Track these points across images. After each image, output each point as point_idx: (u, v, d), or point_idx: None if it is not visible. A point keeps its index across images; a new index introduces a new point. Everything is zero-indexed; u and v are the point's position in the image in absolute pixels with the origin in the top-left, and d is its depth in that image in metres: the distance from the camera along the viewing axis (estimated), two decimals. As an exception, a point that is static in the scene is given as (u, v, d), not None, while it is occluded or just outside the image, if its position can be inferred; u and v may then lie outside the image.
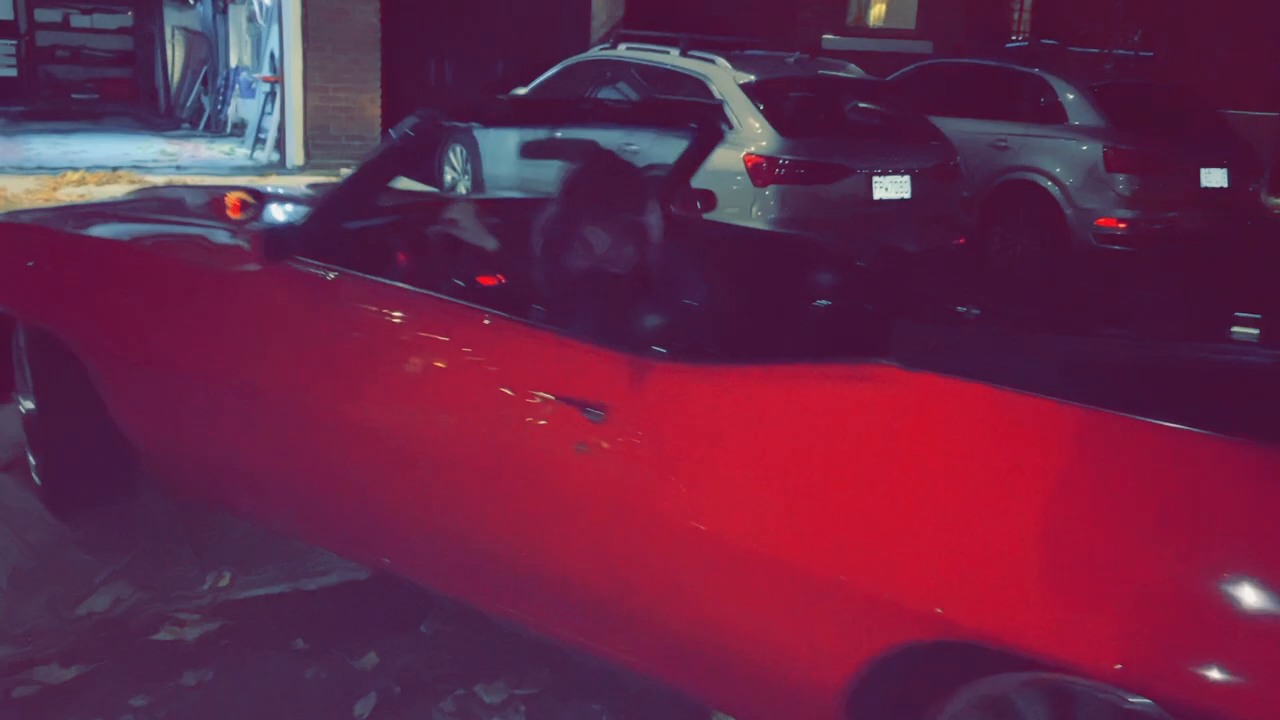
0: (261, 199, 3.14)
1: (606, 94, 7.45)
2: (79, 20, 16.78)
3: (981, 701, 1.68)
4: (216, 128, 12.42)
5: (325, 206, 2.60)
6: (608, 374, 2.04)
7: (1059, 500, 1.63)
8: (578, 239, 2.34)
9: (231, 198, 2.96)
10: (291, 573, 2.94)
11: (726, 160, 6.22)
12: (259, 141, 10.12)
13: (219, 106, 12.56)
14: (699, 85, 6.65)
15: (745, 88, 6.43)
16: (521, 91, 8.12)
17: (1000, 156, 7.69)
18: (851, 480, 1.80)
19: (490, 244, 2.73)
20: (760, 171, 6.05)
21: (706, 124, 3.39)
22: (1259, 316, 2.07)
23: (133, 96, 15.99)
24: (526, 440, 2.12)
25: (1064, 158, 7.45)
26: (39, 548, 2.97)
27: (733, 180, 6.19)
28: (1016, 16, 13.50)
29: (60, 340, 2.85)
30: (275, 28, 9.69)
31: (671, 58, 7.01)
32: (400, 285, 2.42)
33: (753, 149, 6.13)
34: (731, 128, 6.33)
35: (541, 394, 2.11)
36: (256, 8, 11.22)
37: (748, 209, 6.08)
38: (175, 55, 14.49)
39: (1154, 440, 1.63)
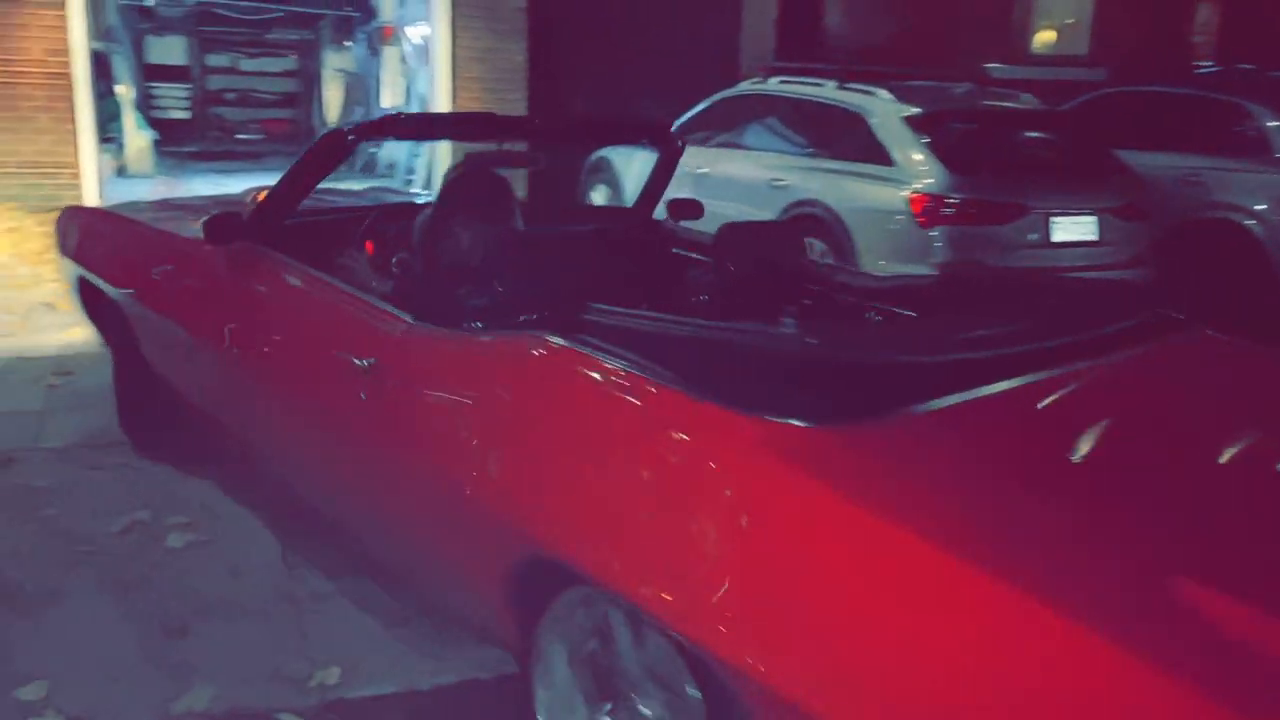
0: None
1: (757, 129, 7.11)
2: (247, 64, 17.42)
3: (569, 603, 2.11)
4: (369, 168, 12.61)
5: (260, 206, 3.21)
6: (382, 336, 2.58)
7: (625, 459, 2.01)
8: (438, 235, 2.96)
9: (261, 194, 3.46)
10: (404, 669, 2.63)
11: (886, 199, 5.78)
12: (407, 181, 10.15)
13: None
14: (856, 119, 6.22)
15: (909, 121, 5.97)
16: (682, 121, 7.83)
17: (1193, 193, 6.95)
18: (499, 429, 2.26)
19: (372, 237, 3.25)
20: (927, 211, 5.56)
21: (666, 140, 3.94)
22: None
23: (294, 136, 16.51)
24: (331, 377, 2.67)
25: (1270, 194, 6.68)
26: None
27: (892, 221, 5.73)
28: (1200, 40, 12.52)
29: (112, 298, 3.77)
30: (424, 68, 9.70)
31: (827, 90, 6.59)
32: (291, 262, 3.04)
33: (918, 187, 5.66)
34: (892, 164, 5.90)
35: (343, 350, 2.64)
36: (408, 49, 11.34)
37: (911, 252, 5.60)
38: (333, 97, 14.86)
39: (693, 412, 1.94)
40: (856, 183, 6.03)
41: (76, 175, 8.13)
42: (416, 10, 10.76)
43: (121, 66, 12.73)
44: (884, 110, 6.11)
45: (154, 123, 12.43)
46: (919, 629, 1.56)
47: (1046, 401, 2.18)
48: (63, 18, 7.91)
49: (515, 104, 9.38)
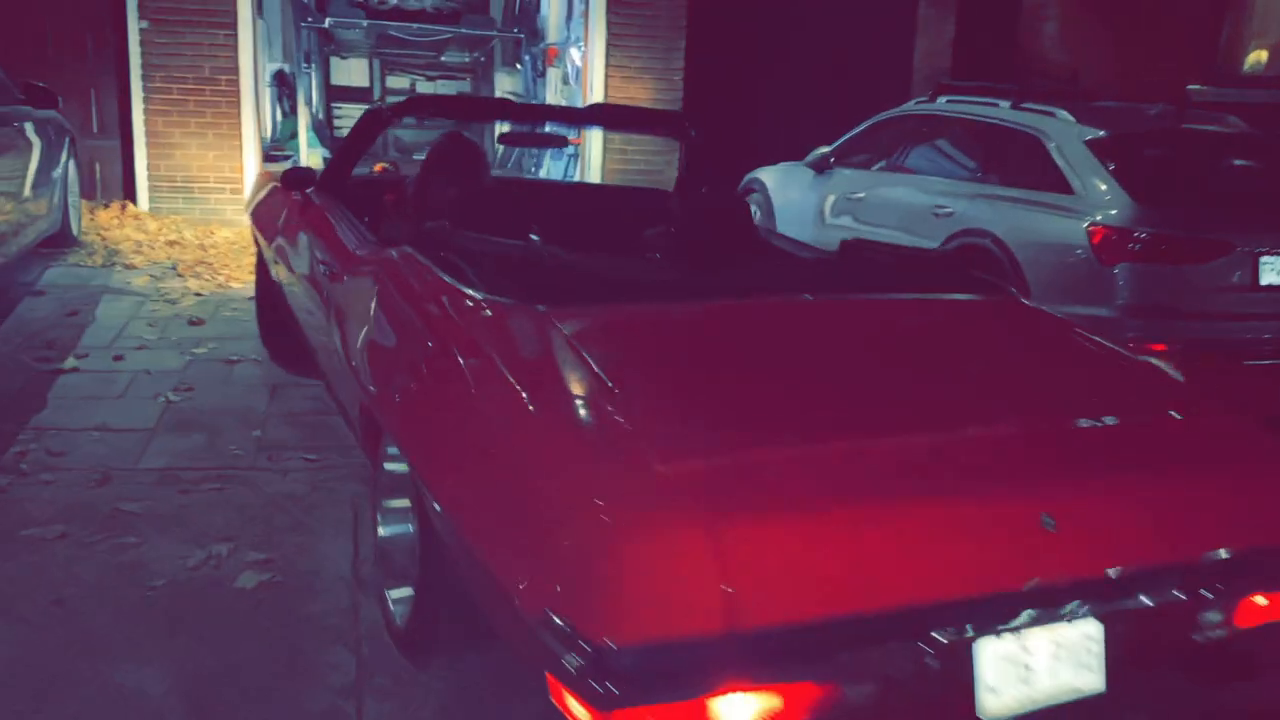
0: (398, 168, 4.97)
1: (921, 152, 6.58)
2: (424, 86, 17.92)
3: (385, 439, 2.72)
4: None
5: (327, 165, 4.14)
6: (349, 253, 3.35)
7: (403, 328, 2.73)
8: (421, 187, 3.75)
9: (379, 166, 4.59)
10: None
11: (1063, 231, 5.17)
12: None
13: (534, 169, 12.74)
14: (1033, 142, 5.63)
15: (1092, 144, 5.33)
16: (824, 151, 7.39)
17: None
18: (363, 311, 2.98)
19: (396, 191, 4.07)
20: (1108, 245, 4.93)
21: (680, 129, 4.82)
22: None
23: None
24: (323, 280, 3.48)
25: None
26: None
27: (1070, 255, 5.11)
28: None
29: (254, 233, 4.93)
30: (580, 89, 9.55)
31: (1002, 110, 6.01)
32: (327, 202, 3.92)
33: (1099, 218, 5.03)
34: (1072, 192, 5.28)
35: (328, 260, 3.49)
36: (569, 70, 11.25)
37: (1090, 291, 4.98)
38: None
39: (454, 295, 2.60)
40: (1030, 212, 5.43)
41: (239, 189, 8.31)
42: (580, 31, 10.64)
43: (307, 86, 13.19)
44: (1064, 132, 5.50)
45: (336, 142, 12.78)
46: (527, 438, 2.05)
47: (781, 319, 2.68)
48: (233, 36, 8.11)
49: (671, 125, 9.09)
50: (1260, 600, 2.12)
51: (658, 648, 1.65)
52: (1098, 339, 2.84)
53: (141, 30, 7.89)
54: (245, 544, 3.23)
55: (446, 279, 2.65)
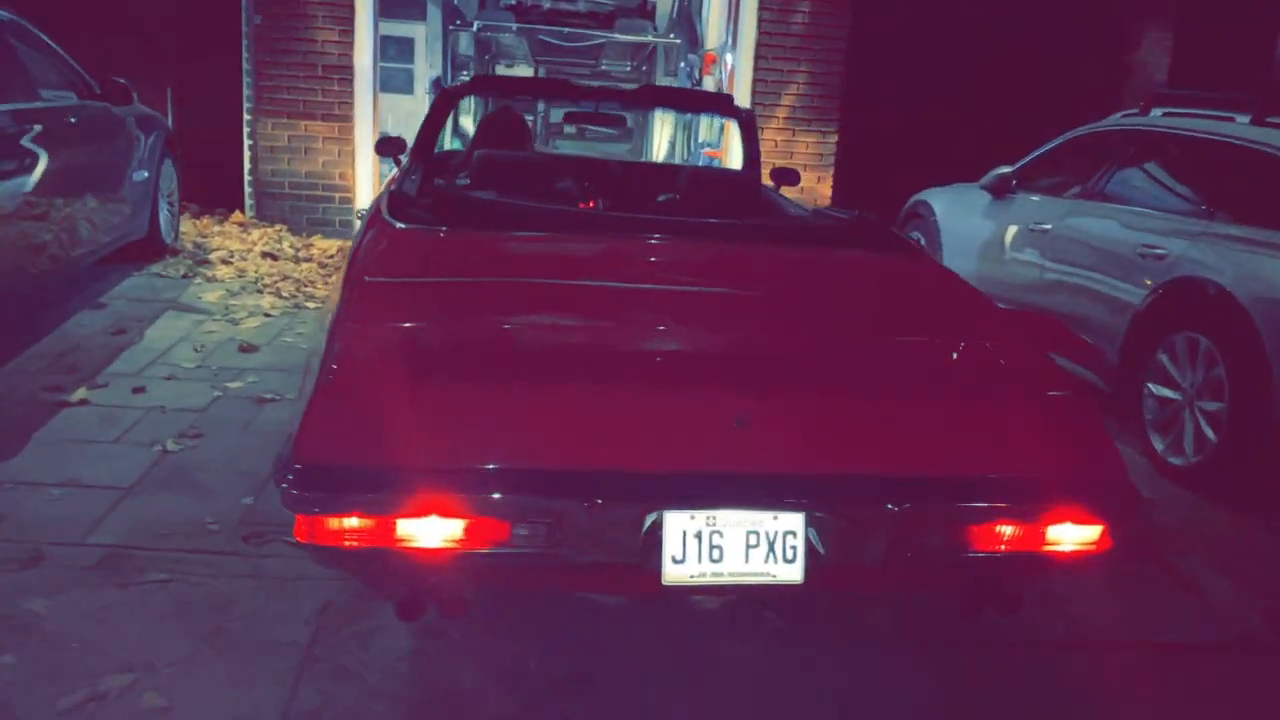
0: None
1: (1126, 177, 5.31)
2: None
3: None
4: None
5: (414, 143, 4.24)
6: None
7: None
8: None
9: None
10: None
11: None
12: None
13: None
14: (1278, 168, 4.32)
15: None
16: (1005, 171, 6.18)
17: None
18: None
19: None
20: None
21: (734, 110, 4.94)
22: None
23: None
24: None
25: None
26: None
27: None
28: None
29: None
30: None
31: (1238, 127, 4.70)
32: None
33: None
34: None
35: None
36: (724, 78, 10.34)
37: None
38: (662, 129, 14.26)
39: (381, 223, 3.02)
40: (1272, 259, 4.13)
41: (349, 197, 7.72)
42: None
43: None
44: (1328, 155, 4.17)
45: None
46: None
47: (652, 258, 2.97)
48: (349, 33, 7.52)
49: (818, 143, 8.02)
50: (1004, 530, 2.18)
51: (345, 468, 1.98)
52: (975, 296, 2.90)
53: (254, 25, 7.38)
54: (149, 680, 2.39)
55: (385, 216, 3.01)
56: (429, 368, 2.11)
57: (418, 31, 14.94)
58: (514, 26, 12.17)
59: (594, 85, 5.20)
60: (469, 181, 4.08)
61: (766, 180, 5.07)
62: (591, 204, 4.58)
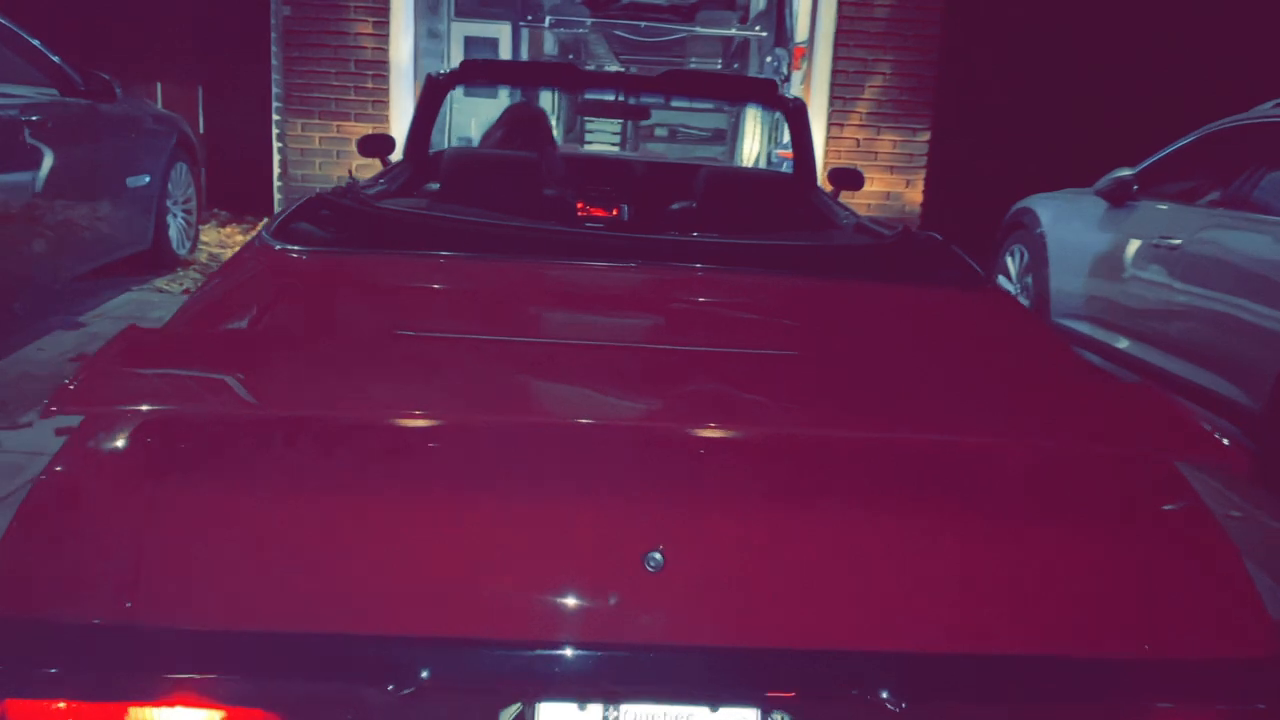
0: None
1: (1274, 179, 4.29)
2: (678, 100, 16.64)
3: None
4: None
5: (406, 142, 3.79)
6: None
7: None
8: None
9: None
10: None
11: None
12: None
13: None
14: None
15: None
16: (1125, 174, 5.19)
17: None
18: None
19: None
20: None
21: (778, 99, 4.07)
22: None
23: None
24: None
25: None
26: None
27: None
28: None
29: None
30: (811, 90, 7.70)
31: None
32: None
33: None
34: None
35: None
36: (811, 70, 9.46)
37: None
38: (751, 129, 13.53)
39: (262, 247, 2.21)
40: None
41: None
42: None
43: (557, 101, 12.16)
44: None
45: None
46: None
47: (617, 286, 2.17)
48: (384, 24, 6.89)
49: (907, 145, 7.08)
50: None
51: (46, 626, 1.31)
52: (1066, 358, 2.04)
53: (283, 17, 6.81)
54: None
55: (264, 235, 2.27)
56: (179, 486, 1.42)
57: (502, 31, 14.49)
58: (588, 21, 11.46)
59: (606, 71, 4.59)
60: (439, 187, 3.36)
61: (825, 184, 4.25)
62: (599, 212, 4.04)
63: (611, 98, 4.74)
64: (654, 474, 1.46)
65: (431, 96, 3.89)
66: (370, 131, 6.76)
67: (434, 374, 1.60)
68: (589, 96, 5.47)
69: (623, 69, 15.62)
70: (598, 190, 4.12)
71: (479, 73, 4.25)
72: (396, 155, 4.15)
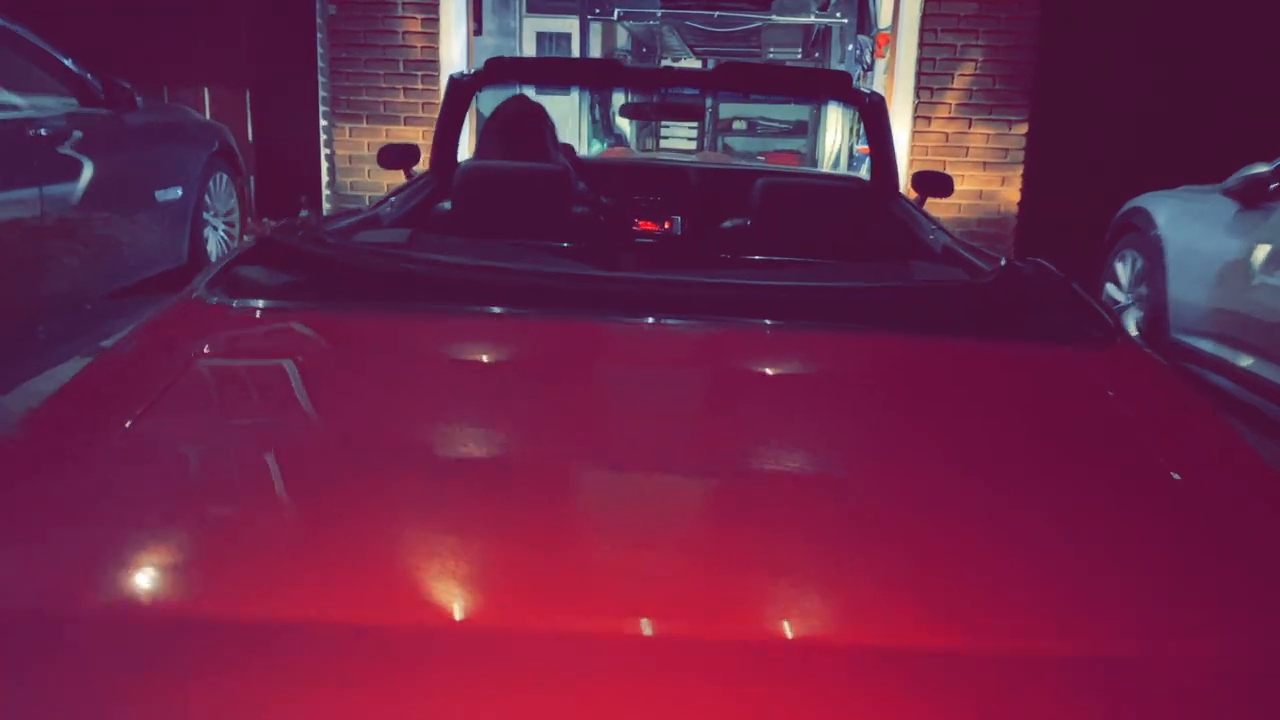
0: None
1: None
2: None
3: None
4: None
5: (434, 139, 3.55)
6: None
7: None
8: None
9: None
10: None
11: None
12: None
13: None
14: None
15: None
16: (1260, 171, 4.55)
17: None
18: None
19: None
20: None
21: (852, 93, 3.54)
22: None
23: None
24: None
25: None
26: None
27: None
28: None
29: None
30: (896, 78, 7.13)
31: None
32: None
33: None
34: None
35: None
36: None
37: None
38: (838, 126, 12.98)
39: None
40: None
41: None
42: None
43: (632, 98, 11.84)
44: None
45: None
46: None
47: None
48: (433, 21, 6.51)
49: (1003, 139, 6.45)
50: None
51: None
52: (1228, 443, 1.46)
53: (328, 16, 6.47)
54: None
55: (201, 286, 1.82)
56: None
57: (573, 26, 14.17)
58: (658, 13, 10.98)
59: (648, 68, 4.07)
60: (450, 206, 2.91)
61: (909, 190, 3.73)
62: (649, 226, 3.74)
63: (663, 94, 4.30)
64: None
65: (456, 100, 3.55)
66: (420, 137, 6.41)
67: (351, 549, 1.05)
68: (632, 98, 5.00)
69: (699, 62, 15.14)
70: (646, 202, 3.72)
71: (506, 71, 3.80)
72: (422, 166, 3.80)
